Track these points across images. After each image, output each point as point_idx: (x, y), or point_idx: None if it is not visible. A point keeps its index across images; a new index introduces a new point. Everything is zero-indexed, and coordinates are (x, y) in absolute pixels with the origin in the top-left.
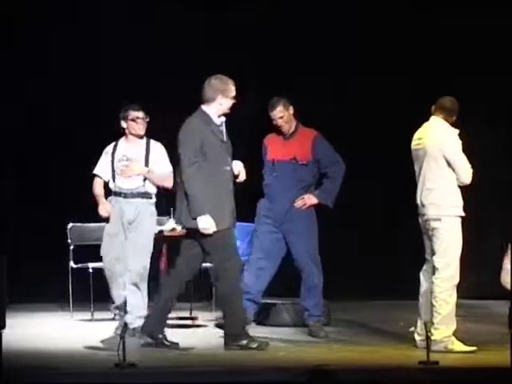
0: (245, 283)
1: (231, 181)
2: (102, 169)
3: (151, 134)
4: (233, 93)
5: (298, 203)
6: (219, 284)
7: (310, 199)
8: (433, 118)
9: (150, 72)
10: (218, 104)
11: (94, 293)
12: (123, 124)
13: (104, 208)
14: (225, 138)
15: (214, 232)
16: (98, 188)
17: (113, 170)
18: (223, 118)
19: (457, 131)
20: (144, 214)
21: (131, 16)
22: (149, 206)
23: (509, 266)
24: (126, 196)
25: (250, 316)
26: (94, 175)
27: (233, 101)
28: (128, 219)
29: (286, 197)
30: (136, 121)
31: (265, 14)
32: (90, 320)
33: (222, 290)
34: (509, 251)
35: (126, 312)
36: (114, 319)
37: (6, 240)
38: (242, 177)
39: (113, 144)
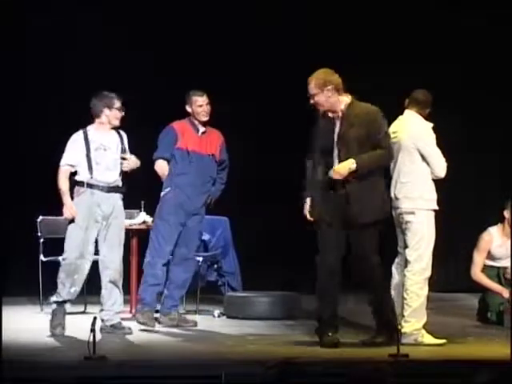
0: (158, 274)
1: None
2: (74, 158)
3: None
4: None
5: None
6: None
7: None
8: (407, 112)
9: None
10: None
11: None
12: (106, 111)
13: (69, 210)
14: None
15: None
16: (65, 181)
17: (89, 161)
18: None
19: (431, 124)
20: (119, 209)
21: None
22: (120, 201)
23: (478, 260)
24: (103, 189)
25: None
26: (63, 165)
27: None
28: (104, 214)
29: (203, 189)
30: (120, 111)
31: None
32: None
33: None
34: (479, 245)
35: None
36: (54, 314)
37: None
38: None
39: (81, 132)
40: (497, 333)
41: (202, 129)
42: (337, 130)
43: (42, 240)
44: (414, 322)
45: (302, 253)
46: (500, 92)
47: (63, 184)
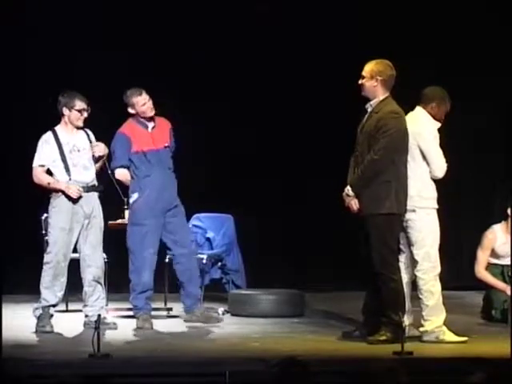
0: (145, 282)
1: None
2: (46, 159)
3: None
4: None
5: None
6: None
7: None
8: (416, 108)
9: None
10: None
11: (68, 284)
12: (65, 111)
13: (73, 188)
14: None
15: None
16: (45, 177)
17: (65, 162)
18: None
19: (437, 124)
20: (98, 208)
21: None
22: (98, 200)
23: (481, 258)
24: (82, 189)
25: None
26: (36, 166)
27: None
28: (85, 214)
29: (170, 182)
30: (82, 112)
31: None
32: (65, 311)
33: None
34: (482, 243)
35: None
36: (40, 319)
37: None
38: None
39: (50, 133)
40: (501, 330)
41: (150, 124)
42: (361, 123)
43: (46, 238)
44: (433, 319)
45: (306, 251)
46: (503, 91)
47: (44, 179)
